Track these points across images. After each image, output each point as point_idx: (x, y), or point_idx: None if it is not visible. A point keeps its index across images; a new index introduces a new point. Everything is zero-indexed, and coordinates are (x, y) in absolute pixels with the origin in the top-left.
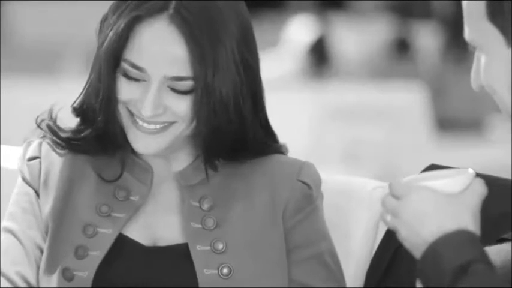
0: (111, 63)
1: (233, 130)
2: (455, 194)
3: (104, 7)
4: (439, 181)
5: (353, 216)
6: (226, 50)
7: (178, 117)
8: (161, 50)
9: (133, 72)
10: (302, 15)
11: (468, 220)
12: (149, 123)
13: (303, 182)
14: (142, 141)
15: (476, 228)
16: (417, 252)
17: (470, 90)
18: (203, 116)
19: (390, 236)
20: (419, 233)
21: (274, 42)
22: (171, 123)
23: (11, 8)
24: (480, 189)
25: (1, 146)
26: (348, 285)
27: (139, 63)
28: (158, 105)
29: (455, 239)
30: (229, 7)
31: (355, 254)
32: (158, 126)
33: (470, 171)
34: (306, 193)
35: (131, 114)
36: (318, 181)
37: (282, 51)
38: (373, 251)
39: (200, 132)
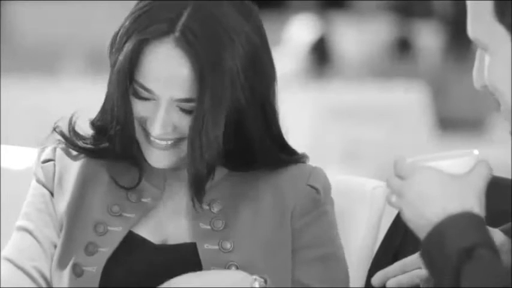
0: (123, 86)
1: (236, 147)
2: (460, 175)
3: (104, 7)
4: (444, 162)
5: (354, 216)
6: (232, 73)
7: (186, 134)
8: (167, 72)
9: (143, 92)
10: (303, 14)
11: (473, 202)
12: (160, 139)
13: (312, 187)
14: (155, 157)
15: (481, 211)
16: (421, 233)
17: (472, 90)
18: (195, 136)
19: (392, 236)
20: (423, 214)
21: (275, 41)
22: (182, 139)
23: (11, 8)
24: (485, 171)
25: (1, 145)
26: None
27: (148, 85)
28: (167, 124)
29: (460, 222)
30: (238, 28)
31: (356, 254)
32: (169, 142)
33: (476, 152)
34: (315, 197)
35: (144, 130)
36: (327, 186)
37: (283, 51)
38: (375, 251)
39: (192, 150)
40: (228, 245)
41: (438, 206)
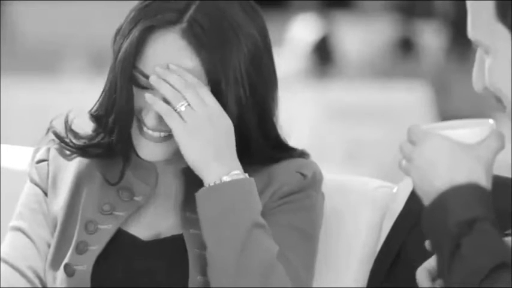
0: (126, 74)
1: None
2: (471, 146)
3: (105, 7)
4: (457, 131)
5: (356, 216)
6: (235, 69)
7: None
8: (170, 61)
9: (142, 80)
10: (305, 14)
11: (481, 174)
12: (154, 130)
13: (301, 174)
14: (147, 149)
15: (487, 183)
16: (427, 199)
17: (474, 90)
18: None
19: (394, 236)
20: (430, 181)
21: (277, 41)
22: None
23: (12, 7)
24: (496, 143)
25: (1, 145)
26: (351, 286)
27: (148, 73)
28: None
29: (465, 193)
30: (244, 28)
31: (358, 254)
32: (162, 134)
33: (491, 122)
34: (302, 182)
35: (138, 121)
36: (318, 177)
37: (286, 51)
38: (377, 251)
39: None
40: None
41: (445, 174)
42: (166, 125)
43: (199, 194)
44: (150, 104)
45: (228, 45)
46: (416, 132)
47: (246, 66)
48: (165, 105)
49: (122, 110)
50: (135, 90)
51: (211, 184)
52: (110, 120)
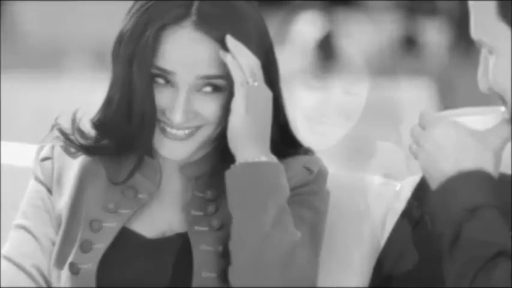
0: (148, 76)
1: None
2: (480, 132)
3: (107, 5)
4: (467, 117)
5: (359, 213)
6: (255, 45)
7: (207, 120)
8: (190, 52)
9: (165, 76)
10: (309, 12)
11: (488, 160)
12: (178, 129)
13: (307, 169)
14: (169, 148)
15: (494, 170)
16: (433, 183)
17: (478, 87)
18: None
19: (397, 233)
20: (437, 165)
21: (281, 39)
22: (198, 127)
23: (13, 6)
24: (506, 131)
25: (1, 142)
26: (353, 283)
27: (170, 68)
28: (188, 110)
29: (470, 179)
30: (247, 13)
31: (361, 251)
32: (187, 131)
33: (502, 109)
34: (308, 178)
35: (158, 121)
36: (324, 171)
37: (289, 49)
38: (380, 248)
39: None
40: (215, 223)
41: (452, 159)
42: (191, 121)
43: (234, 168)
44: (229, 67)
45: (239, 28)
46: (427, 116)
47: (257, 48)
48: (241, 73)
49: (147, 114)
50: (155, 89)
51: (250, 161)
52: (130, 128)
